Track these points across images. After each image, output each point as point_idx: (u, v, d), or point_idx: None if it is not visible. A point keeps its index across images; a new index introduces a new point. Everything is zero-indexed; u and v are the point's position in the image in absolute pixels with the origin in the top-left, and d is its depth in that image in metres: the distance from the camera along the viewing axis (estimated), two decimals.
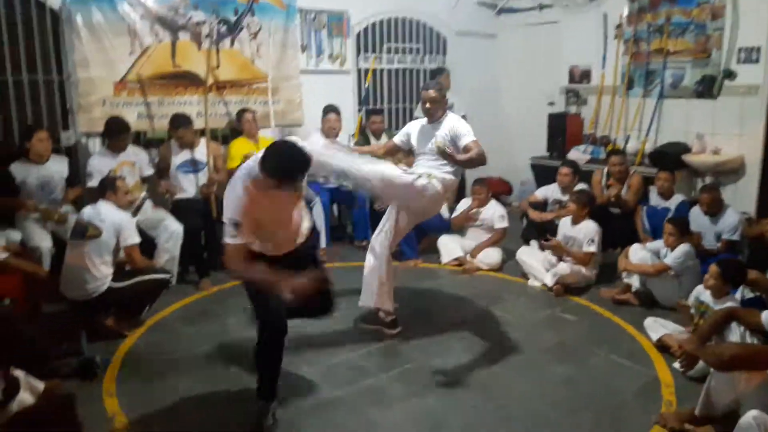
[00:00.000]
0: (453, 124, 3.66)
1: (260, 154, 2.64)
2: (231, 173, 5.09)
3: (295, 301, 2.56)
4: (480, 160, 3.49)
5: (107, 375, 3.32)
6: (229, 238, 2.61)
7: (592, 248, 4.62)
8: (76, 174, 4.71)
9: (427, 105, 3.69)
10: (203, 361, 3.53)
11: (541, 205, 5.45)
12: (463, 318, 4.17)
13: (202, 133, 5.13)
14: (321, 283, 2.78)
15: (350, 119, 6.29)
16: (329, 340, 3.75)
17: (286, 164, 2.57)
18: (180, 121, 4.83)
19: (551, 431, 2.83)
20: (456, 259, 5.22)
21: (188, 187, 4.88)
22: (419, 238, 5.40)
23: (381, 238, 3.77)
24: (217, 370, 3.43)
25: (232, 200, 2.64)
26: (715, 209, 4.49)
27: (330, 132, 5.58)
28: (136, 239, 3.82)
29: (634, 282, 4.31)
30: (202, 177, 4.89)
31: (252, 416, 2.85)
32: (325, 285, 2.92)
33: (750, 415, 2.26)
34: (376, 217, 5.69)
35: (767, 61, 5.17)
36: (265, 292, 2.71)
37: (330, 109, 5.64)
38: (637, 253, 4.30)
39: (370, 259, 3.81)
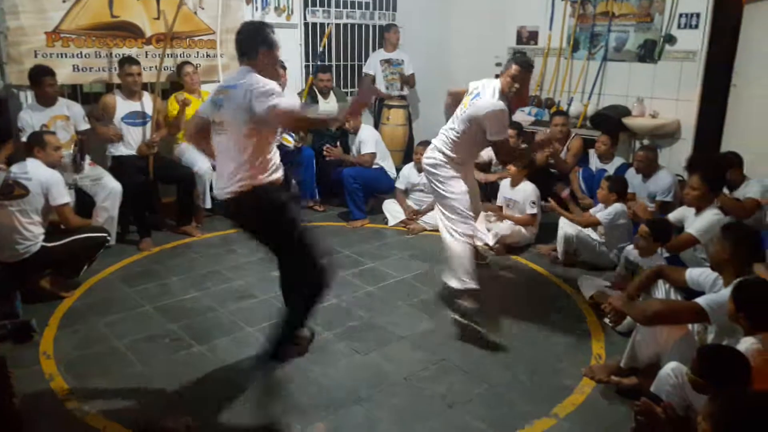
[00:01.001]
0: None
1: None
2: (171, 127, 5.02)
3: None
4: None
5: (44, 337, 3.26)
6: (276, 100, 2.55)
7: (534, 210, 4.74)
8: (8, 129, 4.49)
9: None
10: (143, 321, 3.50)
11: (486, 166, 5.53)
12: (407, 277, 4.25)
13: (144, 86, 4.96)
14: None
15: (297, 76, 6.18)
16: (274, 301, 3.76)
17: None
18: (125, 60, 4.71)
19: (489, 384, 2.94)
20: (402, 222, 5.27)
21: (132, 140, 4.74)
22: (366, 199, 5.42)
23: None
24: (157, 330, 3.40)
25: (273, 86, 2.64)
26: (649, 169, 4.65)
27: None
28: (66, 198, 3.69)
29: (560, 255, 4.45)
30: (148, 131, 4.75)
31: (303, 342, 3.14)
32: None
33: (669, 367, 2.41)
34: (323, 176, 5.70)
35: (706, 27, 5.31)
36: (311, 242, 2.82)
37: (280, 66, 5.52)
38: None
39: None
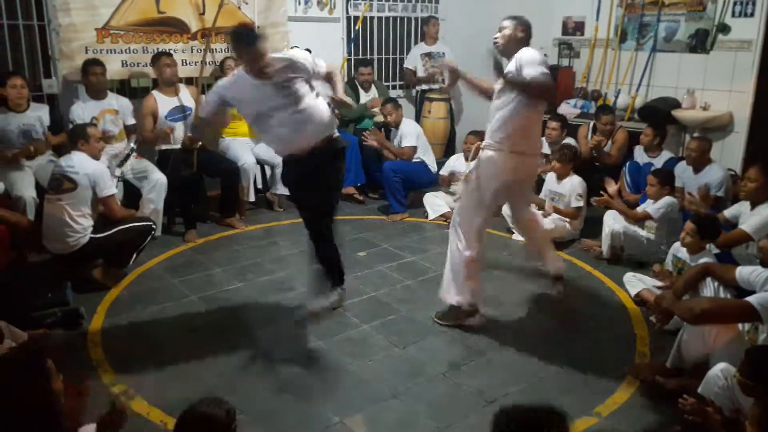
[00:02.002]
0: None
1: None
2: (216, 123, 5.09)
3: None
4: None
5: (92, 325, 3.37)
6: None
7: (580, 203, 4.65)
8: (60, 123, 4.64)
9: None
10: (188, 311, 3.57)
11: None
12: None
13: (188, 81, 5.06)
14: None
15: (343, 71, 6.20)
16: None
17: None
18: (160, 54, 4.81)
19: (529, 380, 2.90)
20: (443, 215, 5.22)
21: (178, 135, 4.83)
22: (406, 193, 5.40)
23: None
24: (200, 320, 3.47)
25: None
26: (702, 161, 4.48)
27: None
28: (112, 190, 3.78)
29: (605, 250, 4.35)
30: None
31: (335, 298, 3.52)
32: None
33: (717, 368, 2.33)
34: (369, 167, 5.70)
35: (762, 15, 5.09)
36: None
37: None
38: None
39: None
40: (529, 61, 3.08)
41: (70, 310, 3.37)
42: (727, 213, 3.72)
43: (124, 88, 5.19)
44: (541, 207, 4.70)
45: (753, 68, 5.19)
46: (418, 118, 6.45)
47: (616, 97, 6.00)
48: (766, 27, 5.09)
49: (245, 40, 3.05)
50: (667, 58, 5.80)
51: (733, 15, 5.27)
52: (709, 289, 2.90)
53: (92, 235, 3.71)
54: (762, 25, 5.09)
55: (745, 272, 2.70)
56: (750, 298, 2.39)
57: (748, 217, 3.51)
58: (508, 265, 4.31)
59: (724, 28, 5.34)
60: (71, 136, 3.86)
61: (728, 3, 5.27)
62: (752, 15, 5.14)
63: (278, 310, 3.59)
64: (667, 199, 4.13)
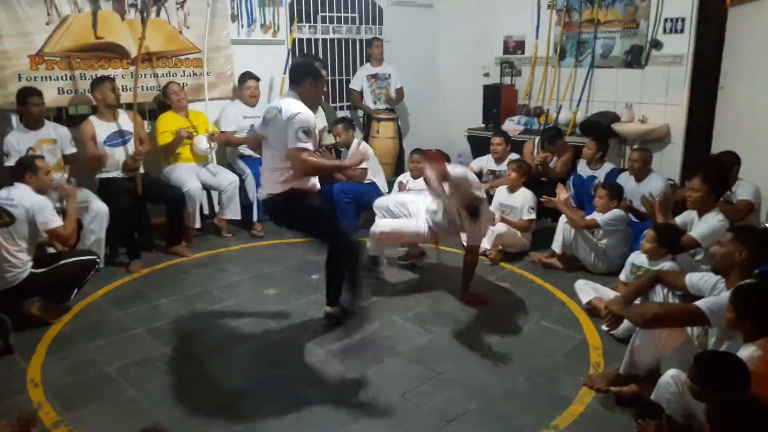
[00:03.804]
0: None
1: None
2: (162, 148, 4.99)
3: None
4: None
5: (31, 364, 3.19)
6: (303, 143, 3.11)
7: (533, 215, 4.73)
8: None
9: None
10: (134, 345, 3.43)
11: (477, 176, 5.49)
12: (399, 288, 4.21)
13: (128, 106, 4.92)
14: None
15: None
16: (267, 320, 3.70)
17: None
18: (103, 78, 4.67)
19: (487, 396, 2.89)
20: None
21: (117, 162, 4.68)
22: (358, 213, 5.38)
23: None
24: (149, 353, 3.33)
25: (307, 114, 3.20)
26: (643, 171, 4.63)
27: (251, 100, 5.48)
28: (57, 222, 3.60)
29: (556, 247, 4.44)
30: (130, 148, 4.70)
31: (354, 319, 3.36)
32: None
33: (669, 374, 2.37)
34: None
35: (691, 31, 5.33)
36: (333, 219, 3.47)
37: (249, 76, 5.52)
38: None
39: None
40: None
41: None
42: (678, 220, 3.83)
43: (61, 115, 5.02)
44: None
45: (685, 82, 5.43)
46: (366, 138, 6.46)
47: (558, 112, 6.16)
48: (695, 42, 5.34)
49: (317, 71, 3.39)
50: (604, 73, 6.00)
51: (664, 31, 5.51)
52: (659, 295, 2.97)
53: (32, 270, 3.54)
54: (692, 40, 5.34)
55: (694, 278, 2.78)
56: (699, 303, 2.45)
57: (696, 224, 3.62)
58: (460, 282, 4.31)
59: (656, 44, 5.57)
60: (17, 168, 3.70)
61: (659, 20, 5.51)
62: (682, 31, 5.39)
63: (228, 339, 3.49)
64: (615, 212, 4.24)
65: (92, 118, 4.67)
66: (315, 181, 3.43)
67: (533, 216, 4.74)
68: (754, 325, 2.21)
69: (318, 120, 5.89)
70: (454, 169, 3.66)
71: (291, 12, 6.20)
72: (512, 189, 4.85)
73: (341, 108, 6.86)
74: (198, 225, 5.02)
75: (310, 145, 3.18)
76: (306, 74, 3.33)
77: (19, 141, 4.33)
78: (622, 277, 3.81)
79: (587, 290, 3.82)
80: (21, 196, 3.51)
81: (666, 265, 3.41)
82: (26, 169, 3.63)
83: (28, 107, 4.34)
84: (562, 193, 4.60)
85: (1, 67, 4.52)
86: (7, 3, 4.46)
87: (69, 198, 3.89)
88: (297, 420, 2.74)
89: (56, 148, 4.51)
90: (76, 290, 3.80)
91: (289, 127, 3.12)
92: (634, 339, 2.78)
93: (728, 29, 5.20)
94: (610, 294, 3.68)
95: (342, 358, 3.24)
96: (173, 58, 5.32)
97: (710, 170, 3.72)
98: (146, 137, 4.94)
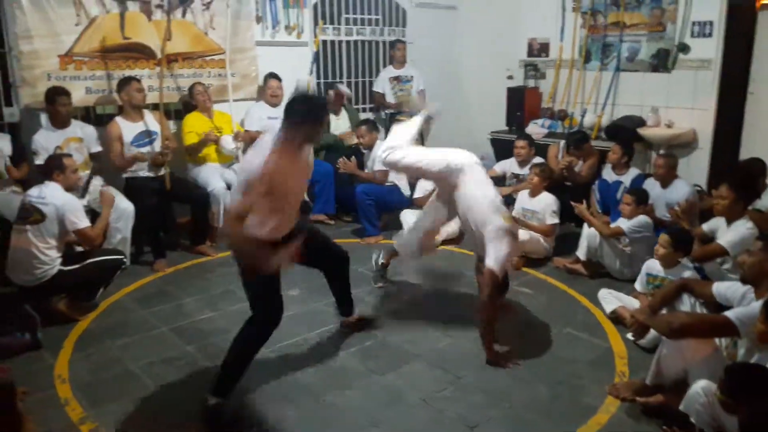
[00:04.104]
0: None
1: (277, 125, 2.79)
2: (188, 149, 5.05)
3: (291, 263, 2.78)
4: None
5: (59, 360, 3.24)
6: (238, 199, 2.67)
7: (556, 219, 4.68)
8: (22, 153, 4.51)
9: None
10: (158, 343, 3.46)
11: (500, 179, 5.48)
12: (423, 294, 4.19)
13: (154, 107, 4.98)
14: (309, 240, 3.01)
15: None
16: (288, 321, 3.71)
17: (313, 104, 2.82)
18: (129, 78, 4.73)
19: (509, 403, 2.87)
20: None
21: (144, 163, 4.74)
22: (379, 215, 5.38)
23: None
24: (172, 352, 3.37)
25: (252, 165, 2.65)
26: (669, 177, 4.56)
27: (272, 100, 5.52)
28: (84, 222, 3.66)
29: (581, 254, 4.40)
30: (157, 148, 4.75)
31: (206, 413, 2.74)
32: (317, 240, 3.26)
33: (698, 385, 2.33)
34: (337, 192, 5.68)
35: (720, 36, 5.25)
36: (270, 285, 2.83)
37: (271, 76, 5.58)
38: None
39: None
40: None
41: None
42: (705, 227, 3.77)
43: (88, 115, 5.09)
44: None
45: (713, 86, 5.34)
46: None
47: (583, 116, 6.11)
48: (724, 46, 5.25)
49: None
50: (630, 77, 5.94)
51: (692, 35, 5.44)
52: (686, 304, 2.93)
53: (61, 267, 3.59)
54: (720, 44, 5.26)
55: (722, 288, 2.73)
56: (728, 313, 2.41)
57: (724, 232, 3.56)
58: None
59: (684, 48, 5.50)
60: (47, 166, 3.77)
61: (687, 24, 5.43)
62: (710, 35, 5.31)
63: None
64: (641, 218, 4.18)
65: (118, 119, 4.73)
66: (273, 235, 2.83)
67: (557, 220, 4.69)
68: None
69: (341, 122, 5.97)
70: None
71: (315, 13, 6.23)
72: (534, 193, 4.81)
73: (364, 110, 6.87)
74: (222, 224, 5.05)
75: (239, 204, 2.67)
76: (307, 115, 2.75)
77: (47, 140, 4.41)
78: (638, 286, 3.72)
79: (611, 299, 3.77)
80: (52, 195, 3.58)
81: (685, 274, 3.39)
82: (54, 168, 3.70)
83: (56, 107, 4.41)
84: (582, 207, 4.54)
85: (31, 66, 4.59)
86: (38, 4, 4.54)
87: (105, 205, 3.99)
88: (319, 423, 2.75)
89: (83, 146, 4.58)
90: (102, 288, 3.85)
91: (243, 178, 2.74)
92: (661, 349, 2.75)
93: (758, 33, 5.12)
94: (634, 303, 3.64)
95: (363, 360, 3.24)
96: (199, 59, 5.36)
97: (738, 177, 3.66)
98: (172, 137, 4.99)
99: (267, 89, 5.56)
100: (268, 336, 2.90)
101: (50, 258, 3.56)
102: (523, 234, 4.61)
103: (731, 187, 3.50)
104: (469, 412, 2.81)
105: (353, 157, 5.64)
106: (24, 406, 2.04)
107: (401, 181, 5.50)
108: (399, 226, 5.30)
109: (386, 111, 6.64)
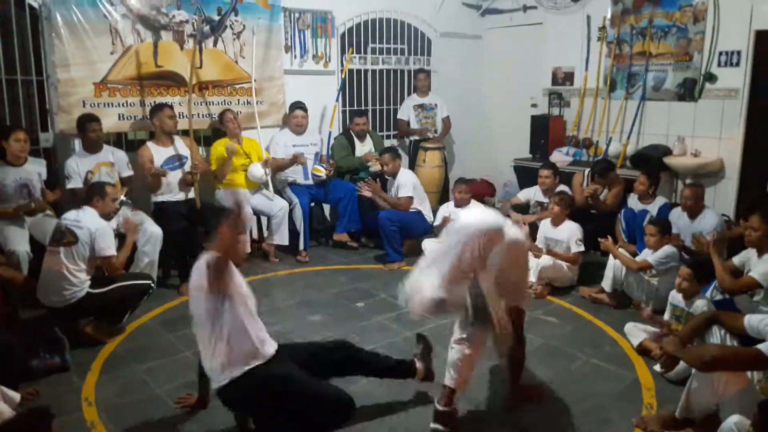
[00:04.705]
0: None
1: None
2: (214, 174, 5.14)
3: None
4: None
5: (86, 383, 3.28)
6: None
7: (581, 247, 4.65)
8: (56, 176, 4.64)
9: None
10: (184, 367, 3.48)
11: (523, 207, 5.47)
12: (446, 322, 4.16)
13: (184, 133, 5.09)
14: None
15: (336, 121, 6.27)
16: None
17: None
18: (162, 105, 4.86)
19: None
20: None
21: (173, 185, 4.85)
22: (402, 241, 5.39)
23: None
24: (197, 376, 3.38)
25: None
26: (696, 208, 4.51)
27: (297, 129, 5.61)
28: (112, 251, 3.74)
29: (606, 285, 4.37)
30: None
31: None
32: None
33: (731, 420, 2.28)
34: (365, 216, 5.71)
35: (747, 65, 5.23)
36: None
37: (297, 106, 5.69)
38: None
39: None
40: None
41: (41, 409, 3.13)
42: (736, 260, 3.71)
43: (120, 140, 5.21)
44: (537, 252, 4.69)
45: (740, 116, 5.30)
46: (412, 167, 6.50)
47: (608, 144, 6.09)
48: (752, 76, 5.22)
49: None
50: (656, 106, 5.92)
51: (719, 65, 5.41)
52: (716, 337, 2.88)
53: (89, 290, 3.66)
54: (748, 74, 5.23)
55: (754, 320, 2.68)
56: (761, 346, 2.35)
57: (756, 264, 3.50)
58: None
59: (710, 78, 5.48)
60: (89, 192, 3.87)
61: (714, 53, 5.42)
62: (737, 65, 5.28)
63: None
64: (666, 249, 4.13)
65: (149, 144, 4.85)
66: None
67: (581, 248, 4.66)
68: None
69: (365, 148, 6.04)
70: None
71: (342, 43, 6.35)
72: (556, 222, 4.80)
73: (388, 137, 6.94)
74: (248, 249, 5.10)
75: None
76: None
77: (79, 164, 4.53)
78: (667, 317, 3.69)
79: (637, 333, 3.72)
80: (88, 219, 3.67)
81: (699, 303, 3.37)
82: (95, 194, 3.80)
83: (87, 133, 4.54)
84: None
85: (67, 94, 4.74)
86: (76, 33, 4.71)
87: (130, 232, 4.05)
88: None
89: (113, 171, 4.69)
90: (130, 312, 3.90)
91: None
92: (691, 382, 2.70)
93: None
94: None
95: (388, 388, 3.22)
96: (228, 87, 5.48)
97: None
98: (202, 160, 5.10)
99: (292, 118, 5.67)
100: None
101: (80, 280, 3.62)
102: (547, 259, 4.59)
103: (764, 218, 3.44)
104: None
105: (378, 179, 5.69)
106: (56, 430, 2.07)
107: (424, 208, 5.53)
108: (421, 252, 5.33)
109: (410, 138, 6.70)
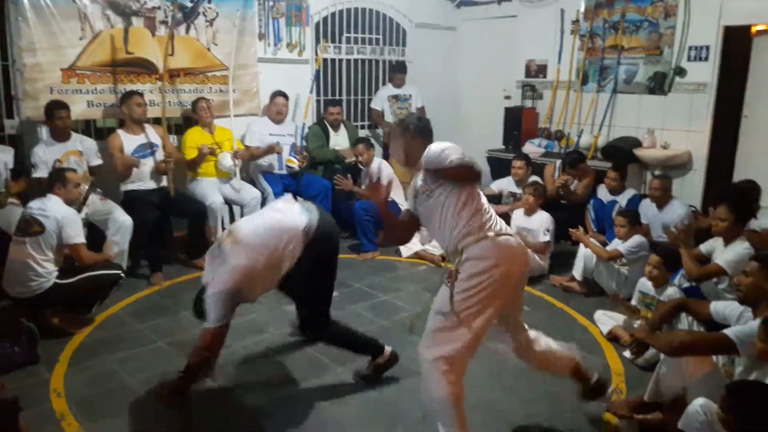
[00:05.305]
0: None
1: None
2: (188, 163, 5.07)
3: None
4: None
5: (55, 374, 3.21)
6: (218, 322, 2.81)
7: (548, 237, 4.72)
8: (22, 166, 4.52)
9: None
10: (155, 358, 3.45)
11: (496, 198, 5.52)
12: (420, 310, 4.18)
13: (155, 121, 5.02)
14: None
15: (310, 110, 6.22)
16: (287, 336, 3.71)
17: None
18: (132, 93, 4.78)
19: (508, 421, 2.87)
20: (415, 253, 5.24)
21: (144, 173, 4.78)
22: (377, 231, 5.39)
23: None
24: (170, 366, 3.34)
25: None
26: (664, 199, 4.62)
27: (277, 117, 5.57)
28: (80, 238, 3.67)
29: (577, 274, 4.43)
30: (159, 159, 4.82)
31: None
32: None
33: (697, 403, 2.33)
34: (334, 208, 5.69)
35: (716, 60, 5.33)
36: None
37: (279, 93, 5.65)
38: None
39: None
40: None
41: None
42: (702, 248, 3.80)
43: (89, 128, 5.11)
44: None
45: (708, 109, 5.41)
46: (386, 157, 6.49)
47: (579, 136, 6.16)
48: (719, 70, 5.33)
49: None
50: (627, 99, 6.01)
51: (688, 59, 5.51)
52: (683, 323, 2.95)
53: (57, 281, 3.58)
54: (716, 68, 5.34)
55: (720, 307, 2.75)
56: (727, 331, 2.42)
57: (721, 252, 3.59)
58: None
59: (680, 72, 5.57)
60: (49, 179, 3.78)
61: (684, 48, 5.52)
62: (706, 59, 5.39)
63: (250, 354, 3.50)
64: (637, 238, 4.22)
65: (120, 131, 4.76)
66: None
67: (549, 238, 4.74)
68: None
69: (340, 138, 6.01)
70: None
71: (317, 32, 6.30)
72: (529, 212, 4.87)
73: (362, 127, 6.92)
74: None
75: None
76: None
77: (46, 153, 4.42)
78: (634, 303, 3.77)
79: (606, 320, 3.81)
80: (53, 208, 3.59)
81: (669, 291, 3.46)
82: (57, 181, 3.72)
83: (55, 121, 4.43)
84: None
85: (33, 80, 4.62)
86: (43, 17, 4.58)
87: (105, 254, 3.96)
88: None
89: (82, 159, 4.59)
90: (99, 302, 3.83)
91: None
92: (660, 367, 2.75)
93: (753, 58, 5.20)
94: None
95: (362, 376, 3.23)
96: (200, 75, 5.40)
97: (736, 198, 3.69)
98: (174, 149, 5.02)
99: (272, 106, 5.61)
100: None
101: (47, 270, 3.54)
102: None
103: (731, 208, 3.53)
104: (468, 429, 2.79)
105: (348, 175, 5.67)
106: (23, 422, 2.02)
107: (399, 198, 5.52)
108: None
109: (384, 129, 6.69)
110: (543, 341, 2.78)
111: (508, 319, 2.65)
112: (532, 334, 2.77)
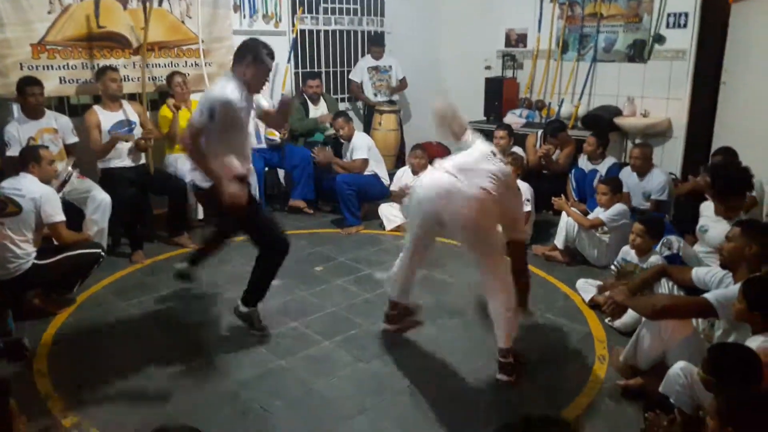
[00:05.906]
0: None
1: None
2: (167, 135, 4.98)
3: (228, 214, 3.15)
4: None
5: (38, 354, 3.18)
6: (198, 121, 2.98)
7: (528, 207, 4.72)
8: None
9: None
10: (139, 335, 3.43)
11: None
12: None
13: (131, 96, 4.91)
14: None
15: (288, 82, 6.14)
16: (271, 311, 3.70)
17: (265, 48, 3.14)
18: (106, 68, 4.67)
19: (494, 388, 2.91)
20: (399, 227, 5.23)
21: (122, 150, 4.68)
22: (360, 205, 5.38)
23: None
24: (152, 343, 3.34)
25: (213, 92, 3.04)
26: (645, 167, 4.65)
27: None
28: (60, 216, 3.59)
29: (559, 243, 4.46)
30: (137, 136, 4.73)
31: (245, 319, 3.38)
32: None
33: (677, 366, 2.38)
34: (316, 182, 5.66)
35: (694, 27, 5.34)
36: (257, 215, 3.32)
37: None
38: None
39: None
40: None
41: (13, 340, 3.16)
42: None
43: (63, 105, 4.99)
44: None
45: (688, 76, 5.44)
46: (367, 130, 6.46)
47: (560, 106, 6.17)
48: (698, 37, 5.34)
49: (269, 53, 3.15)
50: (607, 67, 6.01)
51: (667, 26, 5.52)
52: (664, 289, 3.00)
53: (36, 261, 3.52)
54: (695, 35, 5.35)
55: (701, 272, 2.80)
56: (707, 295, 2.47)
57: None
58: (463, 275, 4.32)
59: (659, 39, 5.58)
60: (22, 158, 3.69)
61: (663, 15, 5.51)
62: (685, 26, 5.40)
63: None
64: (618, 207, 4.26)
65: (96, 108, 4.65)
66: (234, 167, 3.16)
67: (529, 208, 4.74)
68: (765, 317, 2.24)
69: (319, 110, 5.95)
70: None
71: (293, 2, 6.18)
72: None
73: (342, 100, 6.85)
74: (201, 216, 5.02)
75: (204, 124, 2.98)
76: (244, 55, 3.12)
77: (19, 131, 4.30)
78: (613, 269, 3.82)
79: (588, 288, 3.86)
80: (29, 187, 3.50)
81: (653, 260, 3.47)
82: (30, 159, 3.63)
83: (27, 97, 4.30)
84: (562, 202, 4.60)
85: (2, 56, 4.47)
86: None
87: (86, 228, 4.06)
88: (306, 411, 2.75)
89: (57, 137, 4.48)
90: (80, 282, 3.78)
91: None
92: (639, 330, 2.81)
93: (731, 25, 5.20)
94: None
95: (348, 349, 3.25)
96: (175, 49, 5.29)
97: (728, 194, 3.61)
98: (153, 126, 4.93)
99: None
100: (280, 265, 3.31)
101: (25, 252, 3.47)
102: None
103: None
104: (455, 397, 2.83)
105: (328, 147, 5.63)
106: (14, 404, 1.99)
107: (381, 170, 5.51)
108: (378, 216, 5.34)
109: (364, 103, 6.64)
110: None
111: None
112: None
